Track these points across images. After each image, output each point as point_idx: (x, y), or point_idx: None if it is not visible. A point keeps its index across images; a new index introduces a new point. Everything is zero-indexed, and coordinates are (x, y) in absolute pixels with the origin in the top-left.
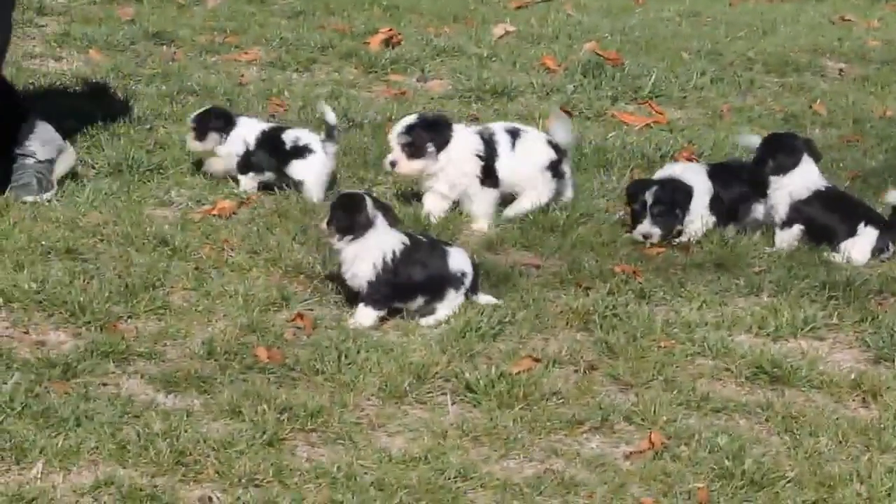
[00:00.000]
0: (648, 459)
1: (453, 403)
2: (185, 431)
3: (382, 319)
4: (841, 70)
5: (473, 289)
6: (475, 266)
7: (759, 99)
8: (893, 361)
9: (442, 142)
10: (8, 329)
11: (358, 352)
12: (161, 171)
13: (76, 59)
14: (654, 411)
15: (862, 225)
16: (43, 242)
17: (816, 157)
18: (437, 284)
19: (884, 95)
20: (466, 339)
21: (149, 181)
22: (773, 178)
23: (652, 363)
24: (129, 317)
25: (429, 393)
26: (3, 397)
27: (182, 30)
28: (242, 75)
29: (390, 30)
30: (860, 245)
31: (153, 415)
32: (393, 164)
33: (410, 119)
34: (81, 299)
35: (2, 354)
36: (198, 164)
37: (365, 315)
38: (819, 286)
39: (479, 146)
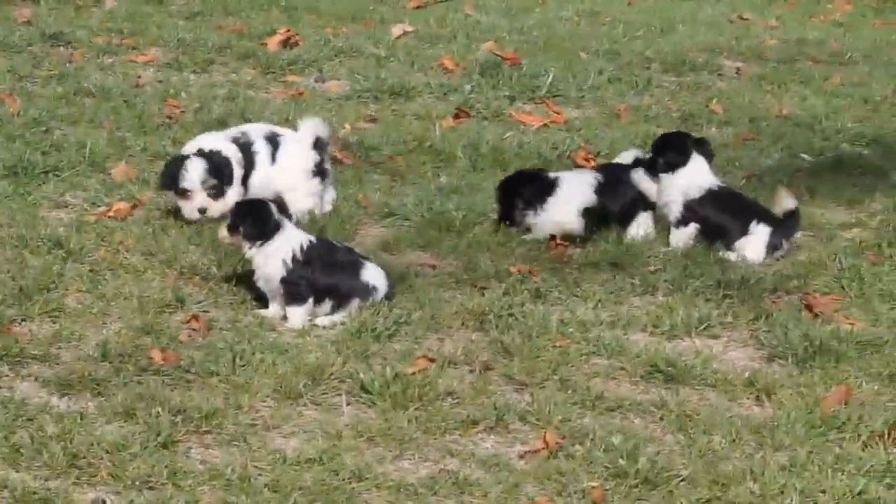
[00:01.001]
0: (543, 459)
1: (348, 404)
2: (79, 434)
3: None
4: (738, 69)
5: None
6: (389, 284)
7: (657, 98)
8: (787, 360)
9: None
10: None
11: (253, 353)
12: (57, 173)
13: None
14: (549, 411)
15: (754, 223)
16: None
17: (709, 157)
18: (347, 292)
19: (780, 94)
20: (362, 339)
21: (44, 183)
22: (662, 176)
23: (547, 363)
24: (23, 319)
25: (324, 394)
26: None
27: (79, 31)
28: (139, 76)
29: (288, 30)
30: (753, 243)
31: (47, 417)
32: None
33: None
34: None
35: None
36: (94, 166)
37: (296, 315)
38: (714, 285)
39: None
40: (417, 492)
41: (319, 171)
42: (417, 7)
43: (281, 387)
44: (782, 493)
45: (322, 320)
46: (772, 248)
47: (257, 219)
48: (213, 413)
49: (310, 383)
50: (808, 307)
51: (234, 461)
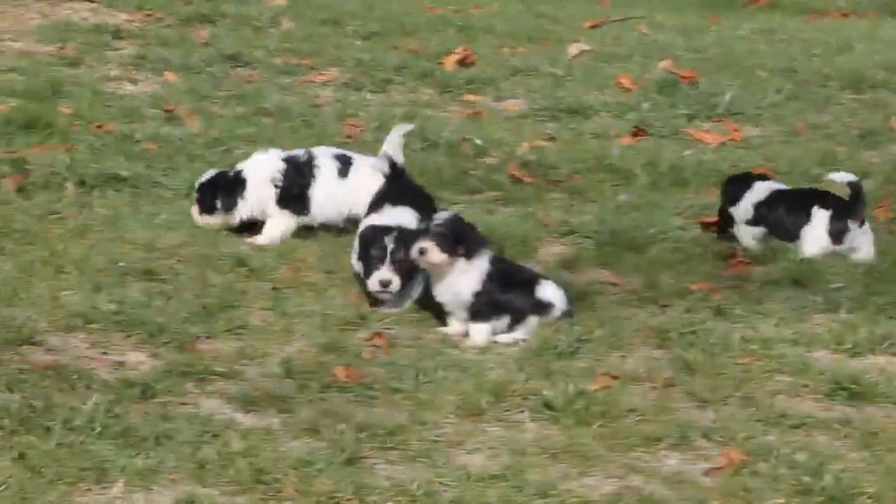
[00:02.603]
0: (727, 476)
1: (531, 421)
2: (265, 450)
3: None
4: None
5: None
6: (568, 302)
7: (836, 116)
8: None
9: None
10: (87, 350)
11: (436, 370)
12: None
13: (152, 81)
14: (733, 428)
15: (815, 209)
16: (121, 264)
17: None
18: (524, 308)
19: None
20: (544, 357)
21: None
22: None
23: (730, 380)
24: (208, 337)
25: (507, 411)
26: (83, 418)
27: (257, 51)
28: (318, 96)
29: (465, 50)
30: (814, 230)
31: (232, 434)
32: None
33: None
34: (160, 320)
35: (82, 375)
36: None
37: (480, 332)
38: None
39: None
40: None
41: None
42: (593, 26)
43: (464, 404)
44: None
45: (503, 338)
46: (836, 234)
47: (473, 232)
48: (398, 429)
49: (493, 400)
50: None
51: (419, 477)
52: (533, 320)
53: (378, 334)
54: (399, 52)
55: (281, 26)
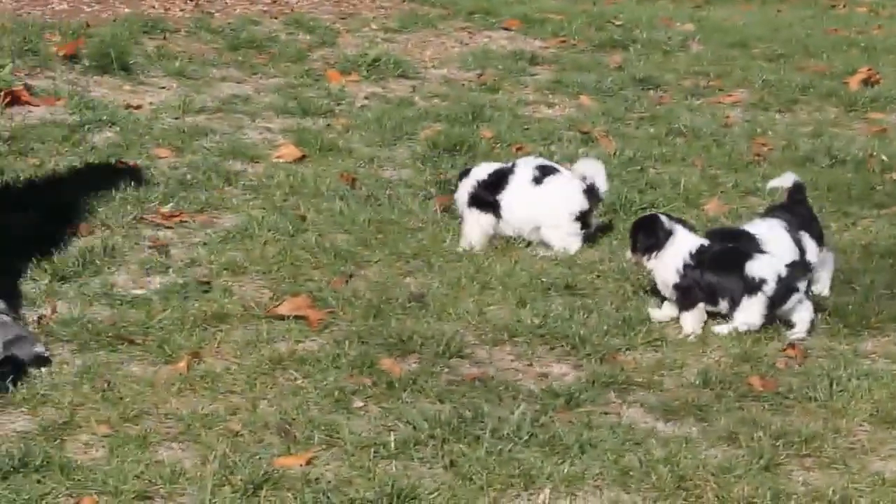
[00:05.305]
0: None
1: None
2: (685, 457)
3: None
4: None
5: (778, 299)
6: (786, 277)
7: None
8: None
9: None
10: (513, 362)
11: (849, 379)
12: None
13: (567, 104)
14: None
15: None
16: (543, 279)
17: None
18: (732, 289)
19: None
20: None
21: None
22: None
23: None
24: (627, 349)
25: None
26: (511, 427)
27: (667, 74)
28: (727, 116)
29: (869, 69)
30: None
31: (653, 442)
32: None
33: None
34: (581, 332)
35: (508, 386)
36: (688, 202)
37: (686, 321)
38: None
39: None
40: None
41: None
42: None
43: (877, 412)
44: None
45: (720, 328)
46: None
47: (647, 232)
48: (813, 437)
49: None
50: None
51: (834, 483)
52: (749, 302)
53: (791, 345)
54: (804, 72)
55: (690, 50)
